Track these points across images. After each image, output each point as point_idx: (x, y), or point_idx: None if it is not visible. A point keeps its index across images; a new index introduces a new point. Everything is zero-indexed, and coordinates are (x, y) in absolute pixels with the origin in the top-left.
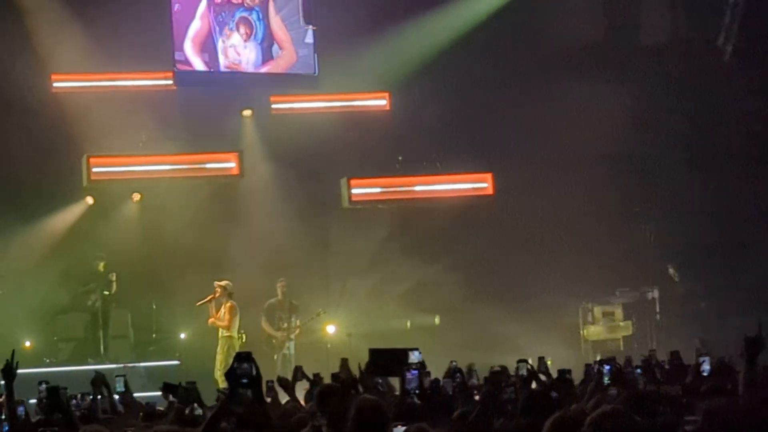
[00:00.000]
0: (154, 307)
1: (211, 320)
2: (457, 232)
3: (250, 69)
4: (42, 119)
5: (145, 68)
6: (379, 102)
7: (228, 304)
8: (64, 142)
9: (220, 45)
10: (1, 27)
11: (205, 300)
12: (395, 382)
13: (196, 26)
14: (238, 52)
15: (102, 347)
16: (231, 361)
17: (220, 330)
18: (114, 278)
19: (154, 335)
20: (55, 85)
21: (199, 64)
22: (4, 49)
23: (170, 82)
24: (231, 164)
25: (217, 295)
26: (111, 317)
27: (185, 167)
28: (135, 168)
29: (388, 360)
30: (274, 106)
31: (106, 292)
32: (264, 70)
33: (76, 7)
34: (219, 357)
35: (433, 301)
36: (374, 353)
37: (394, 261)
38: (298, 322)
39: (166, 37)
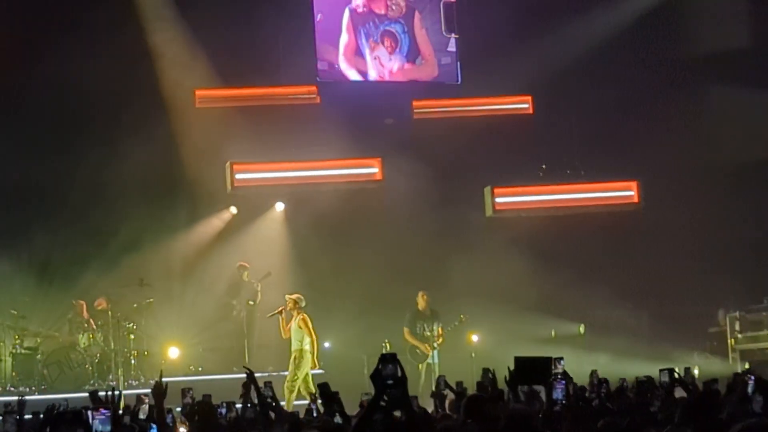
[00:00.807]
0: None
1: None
2: (601, 240)
3: (390, 79)
4: (187, 133)
5: (288, 79)
6: (522, 105)
7: (300, 317)
8: (210, 154)
9: (368, 56)
10: (146, 45)
11: (275, 312)
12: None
13: (344, 40)
14: (383, 63)
15: (247, 356)
16: (298, 373)
17: (293, 342)
18: (259, 288)
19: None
20: (199, 100)
21: (353, 75)
22: (148, 66)
23: (314, 95)
24: (374, 169)
25: (288, 308)
26: (255, 326)
27: (328, 173)
28: (277, 174)
29: (532, 368)
30: (416, 110)
31: (251, 302)
32: (407, 76)
33: (218, 23)
34: (290, 368)
35: (577, 310)
36: (519, 362)
37: (538, 269)
38: (440, 330)
39: (308, 48)
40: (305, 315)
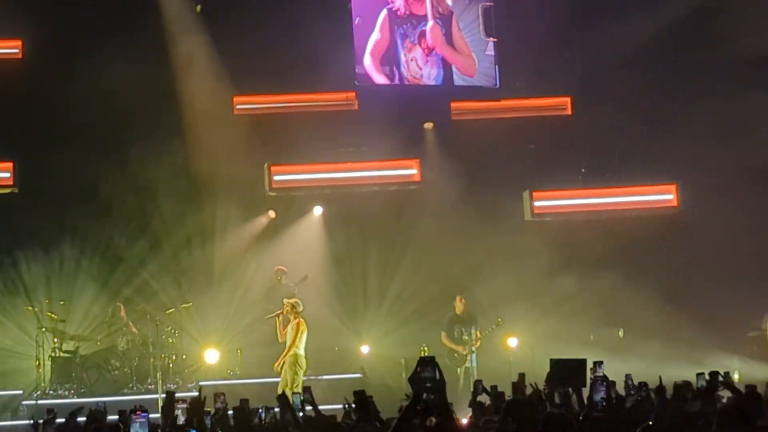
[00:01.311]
0: (337, 320)
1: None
2: (640, 243)
3: (431, 82)
4: (226, 138)
5: (326, 83)
6: (561, 107)
7: (296, 321)
8: (249, 159)
9: (402, 57)
10: (186, 52)
11: (272, 315)
12: None
13: (375, 38)
14: (419, 65)
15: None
16: (296, 378)
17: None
18: (296, 291)
19: (336, 348)
20: (237, 107)
21: (379, 78)
22: (187, 73)
23: (352, 102)
24: (412, 171)
25: (285, 311)
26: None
27: (366, 174)
28: (315, 176)
29: (567, 371)
30: (455, 112)
31: None
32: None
33: (255, 28)
34: (288, 373)
35: (616, 314)
36: (555, 364)
37: (576, 273)
38: (478, 333)
39: (347, 51)
40: (301, 320)
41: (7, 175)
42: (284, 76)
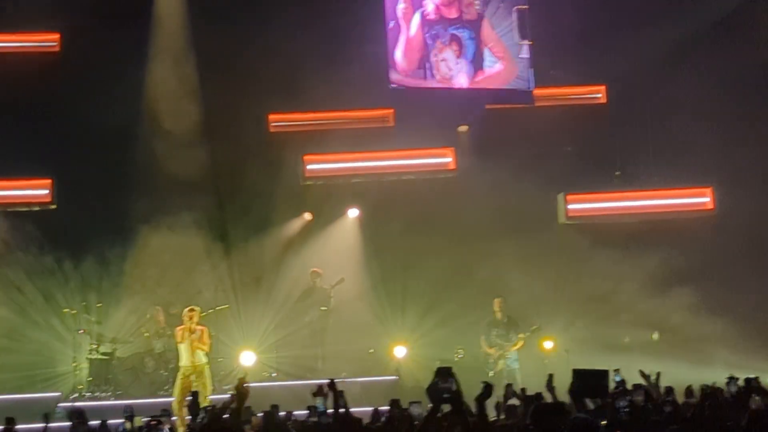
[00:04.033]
0: (372, 322)
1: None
2: (678, 245)
3: (460, 85)
4: (261, 151)
5: (361, 98)
6: (595, 95)
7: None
8: (285, 162)
9: (432, 58)
10: (222, 69)
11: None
12: None
13: (408, 38)
14: (450, 66)
15: (320, 362)
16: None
17: (200, 355)
18: (332, 294)
19: (371, 350)
20: (273, 124)
21: (411, 80)
22: (225, 90)
23: (388, 118)
24: (447, 159)
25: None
26: (328, 332)
27: (401, 162)
28: (349, 164)
29: (589, 381)
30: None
31: (324, 308)
32: (478, 85)
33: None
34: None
35: (652, 317)
36: (577, 374)
37: (611, 276)
38: (521, 336)
39: (381, 61)
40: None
41: (46, 192)
42: (319, 92)
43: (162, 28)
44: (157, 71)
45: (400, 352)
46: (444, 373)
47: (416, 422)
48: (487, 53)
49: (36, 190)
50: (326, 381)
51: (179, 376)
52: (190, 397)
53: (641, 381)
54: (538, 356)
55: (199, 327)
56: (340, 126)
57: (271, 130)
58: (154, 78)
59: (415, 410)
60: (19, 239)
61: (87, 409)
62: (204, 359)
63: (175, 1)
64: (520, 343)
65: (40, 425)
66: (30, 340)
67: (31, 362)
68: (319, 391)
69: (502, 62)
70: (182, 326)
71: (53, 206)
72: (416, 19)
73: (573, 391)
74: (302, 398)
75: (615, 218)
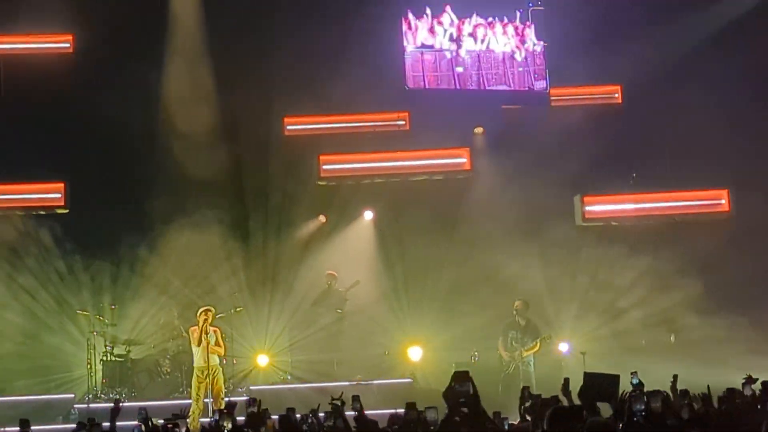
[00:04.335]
0: (388, 324)
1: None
2: (694, 246)
3: (476, 86)
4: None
5: (376, 102)
6: (611, 95)
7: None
8: (299, 168)
9: (447, 60)
10: (238, 72)
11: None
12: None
13: (422, 36)
14: (467, 67)
15: (335, 365)
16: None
17: (214, 357)
18: (347, 296)
19: (386, 352)
20: (288, 128)
21: (429, 80)
22: (241, 90)
23: (404, 122)
24: (462, 159)
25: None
26: (343, 335)
27: (416, 163)
28: (365, 165)
29: (600, 385)
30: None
31: (339, 310)
32: (495, 87)
33: (304, 50)
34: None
35: (667, 319)
36: (588, 377)
37: (628, 277)
38: (533, 341)
39: (398, 61)
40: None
41: (59, 195)
42: (335, 92)
43: (178, 28)
44: (174, 72)
45: (415, 353)
46: (461, 377)
47: (432, 427)
48: (502, 57)
49: (49, 194)
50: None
51: (195, 377)
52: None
53: (657, 385)
54: (555, 360)
55: (213, 328)
56: (356, 130)
57: (286, 133)
58: (170, 78)
59: (431, 415)
60: (32, 242)
61: (101, 411)
62: (217, 360)
63: (191, 0)
64: (536, 348)
65: (57, 426)
66: (45, 344)
67: (46, 366)
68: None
69: (521, 65)
70: (196, 327)
71: (66, 210)
72: (427, 22)
73: (583, 394)
74: (318, 401)
75: (631, 220)
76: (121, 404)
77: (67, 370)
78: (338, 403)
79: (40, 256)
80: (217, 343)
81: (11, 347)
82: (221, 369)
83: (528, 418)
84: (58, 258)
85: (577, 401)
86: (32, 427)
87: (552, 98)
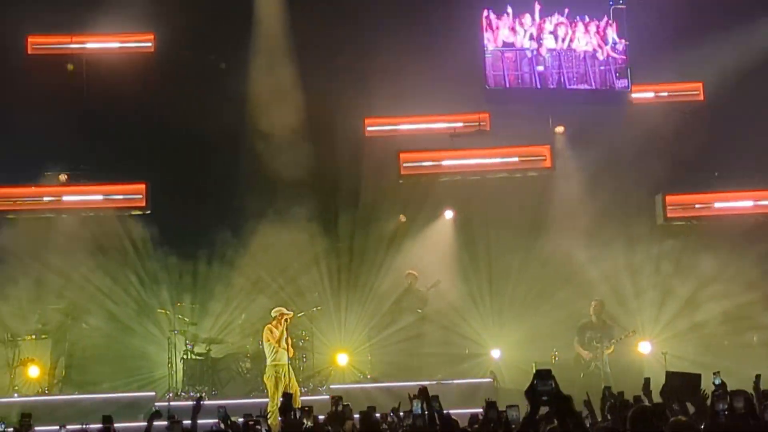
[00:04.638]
0: (467, 324)
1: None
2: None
3: (557, 85)
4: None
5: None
6: (693, 91)
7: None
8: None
9: (528, 59)
10: (320, 72)
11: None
12: None
13: (503, 35)
14: (547, 66)
15: (415, 364)
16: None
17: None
18: (428, 297)
19: (466, 351)
20: (368, 129)
21: (510, 79)
22: (321, 95)
23: (484, 123)
24: (542, 157)
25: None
26: (424, 334)
27: (496, 161)
28: (444, 162)
29: (682, 383)
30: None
31: (420, 310)
32: (576, 86)
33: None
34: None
35: (750, 319)
36: (670, 376)
37: (710, 278)
38: (610, 342)
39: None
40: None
41: (140, 196)
42: (415, 93)
43: (262, 27)
44: (257, 71)
45: (495, 354)
46: (543, 375)
47: (513, 425)
48: (583, 56)
49: (130, 195)
50: (422, 384)
51: (272, 376)
52: (282, 399)
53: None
54: (635, 359)
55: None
56: (436, 132)
57: (366, 134)
58: (253, 78)
59: (512, 414)
60: (118, 241)
61: (182, 409)
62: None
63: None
64: (612, 348)
65: (140, 424)
66: (128, 344)
67: (129, 365)
68: (421, 392)
69: (603, 63)
70: (272, 325)
71: (147, 211)
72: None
73: (665, 392)
74: (398, 399)
75: (713, 219)
76: (202, 402)
77: (150, 370)
78: (418, 398)
79: (126, 256)
80: (289, 346)
81: (98, 347)
82: (292, 368)
83: (609, 417)
84: (142, 257)
85: (657, 400)
86: (115, 425)
87: (633, 95)
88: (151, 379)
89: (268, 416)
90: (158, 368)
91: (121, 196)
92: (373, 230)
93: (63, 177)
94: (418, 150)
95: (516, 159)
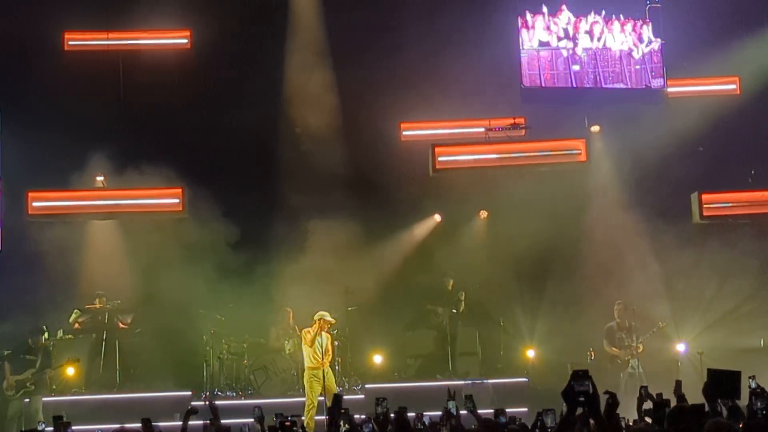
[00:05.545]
0: (502, 324)
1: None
2: None
3: (592, 85)
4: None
5: (492, 93)
6: (730, 84)
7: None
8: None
9: (563, 58)
10: (357, 72)
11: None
12: None
13: (539, 34)
14: (583, 65)
15: (450, 364)
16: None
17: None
18: (462, 297)
19: (501, 352)
20: (404, 133)
21: (546, 79)
22: (354, 98)
23: (522, 127)
24: (577, 151)
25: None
26: (459, 334)
27: (530, 155)
28: (479, 156)
29: (722, 382)
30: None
31: (454, 311)
32: (612, 85)
33: (422, 50)
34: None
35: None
36: (712, 374)
37: (746, 277)
38: (639, 342)
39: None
40: (305, 329)
41: (177, 201)
42: (450, 93)
43: (299, 26)
44: (293, 70)
45: (531, 353)
46: (580, 376)
47: (549, 426)
48: (618, 55)
49: (167, 199)
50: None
51: (308, 377)
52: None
53: None
54: (670, 358)
55: (326, 333)
56: (472, 136)
57: (402, 138)
58: (289, 77)
59: (548, 418)
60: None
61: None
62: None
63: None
64: (641, 348)
65: (175, 423)
66: (165, 344)
67: (167, 365)
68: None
69: (633, 63)
70: (309, 329)
71: (184, 216)
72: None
73: (707, 391)
74: (432, 399)
75: (750, 218)
76: (216, 402)
77: (187, 369)
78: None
79: (165, 254)
80: (327, 348)
81: (135, 346)
82: (331, 369)
83: (647, 418)
84: (181, 257)
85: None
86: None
87: (669, 90)
88: (189, 378)
89: (304, 416)
90: (195, 368)
91: (158, 201)
92: (409, 230)
93: (100, 178)
94: (454, 144)
95: (551, 153)
